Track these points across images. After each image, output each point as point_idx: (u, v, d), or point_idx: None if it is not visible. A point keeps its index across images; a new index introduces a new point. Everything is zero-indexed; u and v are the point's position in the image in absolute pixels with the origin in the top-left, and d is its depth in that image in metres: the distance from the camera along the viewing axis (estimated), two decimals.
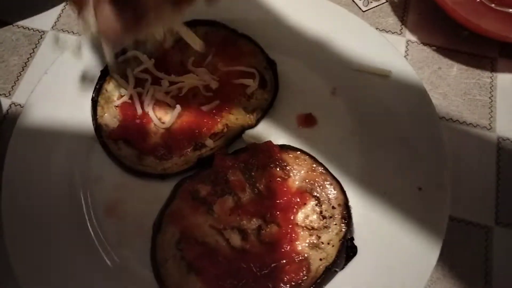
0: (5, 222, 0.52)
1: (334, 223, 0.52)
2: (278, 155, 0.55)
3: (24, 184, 0.55)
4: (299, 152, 0.56)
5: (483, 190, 0.58)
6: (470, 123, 0.63)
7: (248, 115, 0.60)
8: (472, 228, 0.56)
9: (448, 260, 0.54)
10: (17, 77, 0.67)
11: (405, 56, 0.68)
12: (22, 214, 0.53)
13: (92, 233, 0.53)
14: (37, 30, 0.71)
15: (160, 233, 0.52)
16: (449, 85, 0.66)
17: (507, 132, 0.62)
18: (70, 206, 0.55)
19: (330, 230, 0.51)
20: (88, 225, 0.54)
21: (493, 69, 0.67)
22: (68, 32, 0.71)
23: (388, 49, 0.63)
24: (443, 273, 0.53)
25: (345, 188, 0.54)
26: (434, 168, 0.55)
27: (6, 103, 0.65)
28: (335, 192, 0.53)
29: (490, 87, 0.65)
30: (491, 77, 0.66)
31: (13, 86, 0.66)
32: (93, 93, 0.60)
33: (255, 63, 0.63)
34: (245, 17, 0.66)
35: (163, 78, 0.60)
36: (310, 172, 0.54)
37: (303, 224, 0.52)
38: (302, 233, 0.51)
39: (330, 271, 0.49)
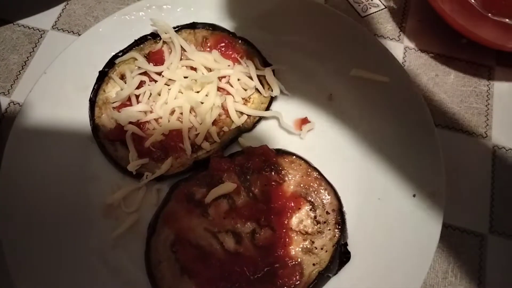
0: (1, 220, 0.52)
1: (328, 228, 0.52)
2: (274, 159, 0.55)
3: (21, 182, 0.55)
4: (294, 157, 0.56)
5: (478, 198, 0.58)
6: (466, 131, 0.63)
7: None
8: (466, 236, 0.56)
9: (442, 267, 0.54)
10: (17, 75, 0.67)
11: (402, 63, 0.68)
12: (18, 212, 0.53)
13: (87, 234, 0.54)
14: (38, 29, 0.72)
15: (154, 235, 0.52)
16: (446, 92, 0.66)
17: (502, 141, 0.62)
18: (66, 206, 0.55)
19: (323, 235, 0.52)
20: (84, 225, 0.54)
21: (490, 77, 0.67)
22: (68, 32, 0.71)
23: (386, 56, 0.63)
24: (436, 280, 0.54)
25: (340, 194, 0.54)
26: (429, 175, 0.55)
27: (5, 101, 0.65)
28: (329, 197, 0.54)
29: (487, 95, 0.66)
30: (488, 85, 0.66)
31: (12, 84, 0.67)
32: (91, 94, 0.60)
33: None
34: (244, 20, 0.67)
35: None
36: (305, 177, 0.55)
37: (297, 229, 0.52)
38: (296, 237, 0.51)
39: (323, 276, 0.49)
